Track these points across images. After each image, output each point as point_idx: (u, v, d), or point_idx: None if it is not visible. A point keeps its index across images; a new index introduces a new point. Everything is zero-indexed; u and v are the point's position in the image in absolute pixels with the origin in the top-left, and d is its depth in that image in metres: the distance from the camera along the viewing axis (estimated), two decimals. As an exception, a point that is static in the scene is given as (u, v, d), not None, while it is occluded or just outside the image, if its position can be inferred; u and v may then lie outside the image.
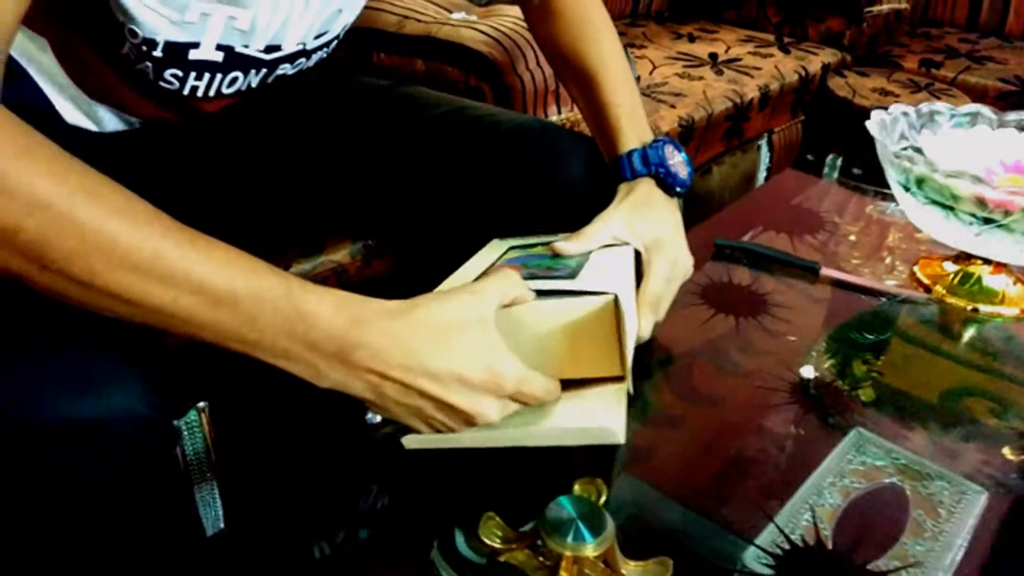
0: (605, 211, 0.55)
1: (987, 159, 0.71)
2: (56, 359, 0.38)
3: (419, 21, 0.95)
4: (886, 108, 0.73)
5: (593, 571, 0.42)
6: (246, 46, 0.53)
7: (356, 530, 0.50)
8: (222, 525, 0.66)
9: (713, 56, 1.45)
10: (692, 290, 0.68)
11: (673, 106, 1.20)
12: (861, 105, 1.39)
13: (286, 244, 0.74)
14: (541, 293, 0.45)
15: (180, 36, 0.50)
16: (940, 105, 0.75)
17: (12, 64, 0.52)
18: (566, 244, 0.53)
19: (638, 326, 0.51)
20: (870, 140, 0.71)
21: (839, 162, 1.00)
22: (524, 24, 0.88)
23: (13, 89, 0.50)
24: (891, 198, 0.88)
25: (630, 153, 0.59)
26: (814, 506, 0.49)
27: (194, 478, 0.66)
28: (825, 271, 0.74)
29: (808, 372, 0.62)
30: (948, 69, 1.54)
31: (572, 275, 0.48)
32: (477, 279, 0.49)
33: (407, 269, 0.79)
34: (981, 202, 0.62)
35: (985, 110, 0.75)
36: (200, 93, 0.55)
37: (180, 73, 0.52)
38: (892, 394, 0.61)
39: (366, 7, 0.61)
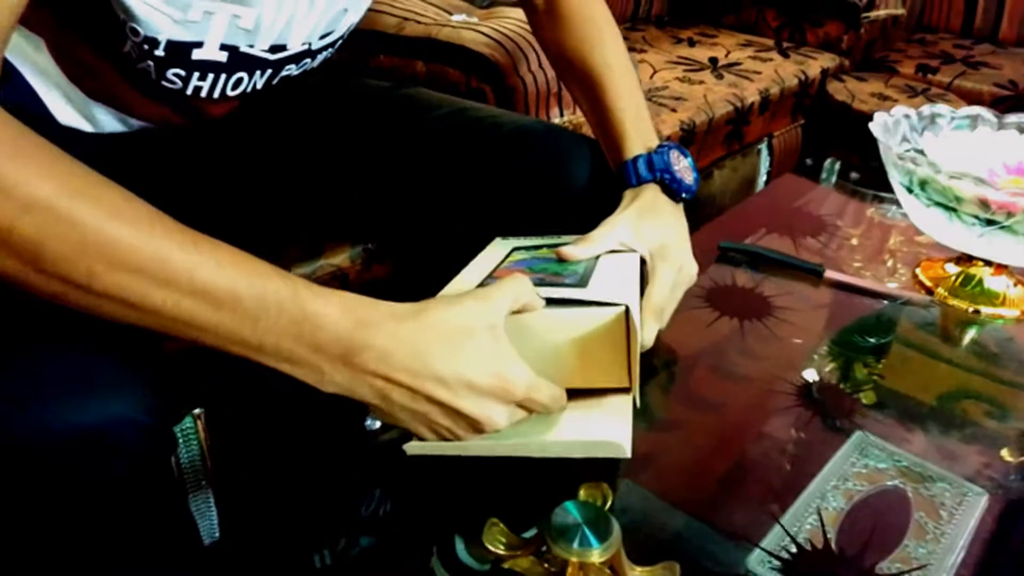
0: (611, 217, 0.55)
1: (989, 161, 0.72)
2: (55, 364, 0.37)
3: (419, 23, 0.95)
4: (887, 112, 0.73)
5: (599, 576, 0.41)
6: (251, 46, 0.52)
7: (356, 538, 0.50)
8: (217, 535, 0.66)
9: (713, 60, 1.45)
10: (696, 293, 0.68)
11: (674, 110, 1.20)
12: (860, 110, 1.40)
13: (284, 247, 0.73)
14: (551, 301, 0.45)
15: (183, 35, 0.49)
16: (941, 108, 0.75)
17: (4, 65, 0.52)
18: (572, 249, 0.52)
19: (641, 334, 0.51)
20: (869, 144, 0.71)
21: (837, 166, 1.00)
22: (526, 26, 0.87)
23: (3, 90, 0.50)
24: (889, 202, 0.89)
25: (635, 159, 0.58)
26: (818, 509, 0.49)
27: (189, 487, 0.65)
28: (829, 274, 0.74)
29: (811, 375, 0.62)
30: (944, 74, 1.55)
31: (581, 282, 0.48)
32: (483, 282, 0.49)
33: (408, 272, 0.79)
34: (984, 204, 0.62)
35: (985, 112, 0.75)
36: (204, 93, 0.54)
37: (183, 73, 0.52)
38: (894, 397, 0.61)
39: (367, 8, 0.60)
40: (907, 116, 0.74)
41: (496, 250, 0.56)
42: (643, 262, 0.54)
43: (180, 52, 0.50)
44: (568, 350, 0.45)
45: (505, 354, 0.41)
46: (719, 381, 0.63)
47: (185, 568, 0.47)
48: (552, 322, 0.44)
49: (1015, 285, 0.72)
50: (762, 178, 1.43)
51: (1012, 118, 0.75)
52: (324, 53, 0.59)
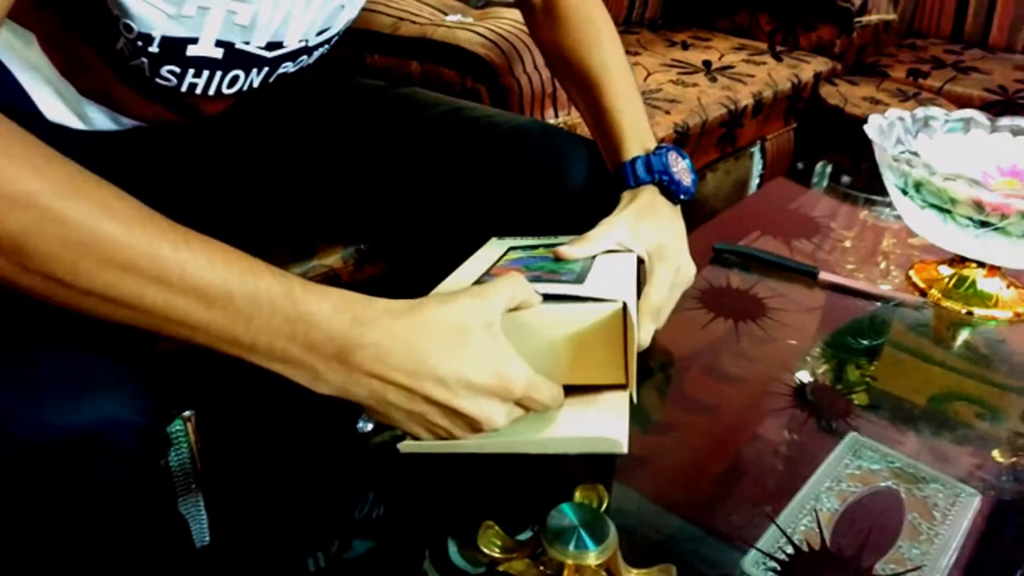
0: (609, 217, 0.55)
1: (983, 163, 0.72)
2: (48, 364, 0.37)
3: (414, 23, 0.95)
4: (881, 115, 0.74)
5: (595, 579, 0.41)
6: (247, 43, 0.52)
7: (350, 540, 0.49)
8: (207, 539, 0.65)
9: (707, 63, 1.46)
10: (691, 295, 0.68)
11: (668, 112, 1.20)
12: (852, 113, 1.40)
13: (276, 248, 0.73)
14: (547, 297, 0.45)
15: (177, 31, 0.48)
16: (935, 110, 0.76)
17: None
18: (569, 248, 0.52)
19: (638, 334, 0.51)
20: (861, 148, 0.71)
21: (829, 170, 1.01)
22: (522, 26, 0.87)
23: None
24: (881, 205, 0.89)
25: (633, 160, 0.58)
26: (814, 511, 0.49)
27: (179, 490, 0.64)
28: (823, 275, 0.74)
29: (805, 377, 0.62)
30: (935, 79, 1.56)
31: (578, 280, 0.47)
32: (479, 279, 0.48)
33: (401, 273, 0.78)
34: (978, 205, 0.63)
35: (978, 115, 0.76)
36: (199, 91, 0.53)
37: (177, 70, 0.51)
38: (887, 398, 0.61)
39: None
40: (901, 119, 0.75)
41: (492, 249, 0.56)
42: (640, 263, 0.54)
43: (175, 48, 0.49)
44: (564, 347, 0.44)
45: (504, 352, 0.41)
46: (714, 383, 0.63)
47: (178, 571, 0.46)
48: (548, 318, 0.44)
49: (1008, 287, 0.72)
50: (755, 181, 1.44)
51: (1005, 121, 0.75)
52: (321, 50, 0.59)
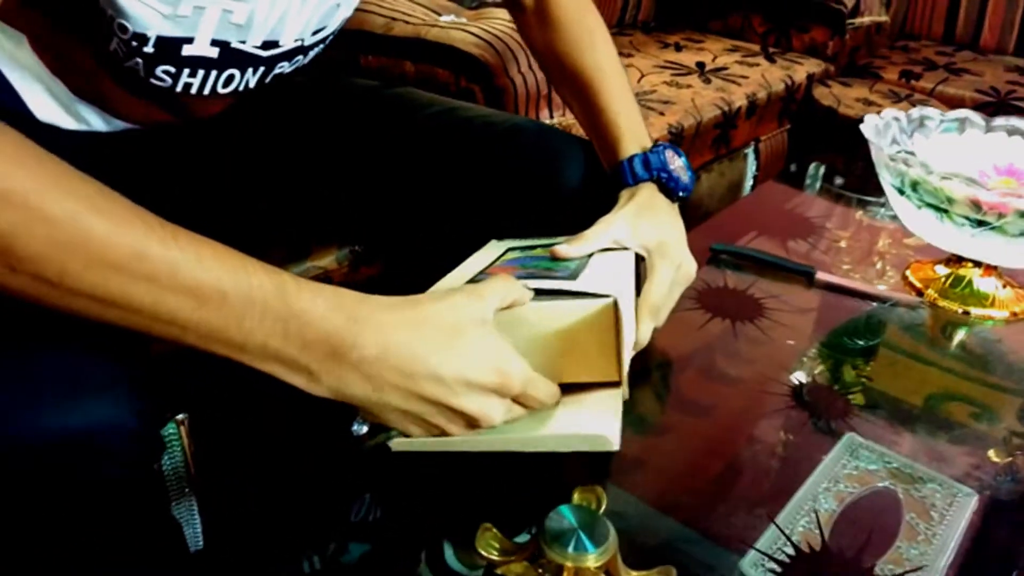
0: (607, 215, 0.55)
1: (979, 163, 0.73)
2: (42, 367, 0.36)
3: (407, 23, 0.95)
4: (877, 115, 0.74)
5: (595, 581, 0.41)
6: (242, 42, 0.51)
7: (346, 543, 0.49)
8: (201, 544, 0.64)
9: (700, 65, 1.46)
10: (688, 294, 0.68)
11: (662, 113, 1.20)
12: (845, 114, 1.41)
13: (270, 249, 0.72)
14: (539, 292, 0.44)
15: (173, 31, 0.48)
16: (930, 110, 0.76)
17: None
18: (566, 247, 0.52)
19: (637, 332, 0.50)
20: (855, 149, 0.71)
21: (822, 171, 1.01)
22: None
23: None
24: (874, 206, 0.89)
25: (631, 158, 0.58)
26: (813, 511, 0.49)
27: (172, 494, 0.64)
28: (820, 275, 0.74)
29: (802, 377, 0.62)
30: (927, 80, 1.57)
31: (572, 276, 0.47)
32: (474, 278, 0.48)
33: (396, 274, 0.78)
34: (975, 204, 0.63)
35: (973, 115, 0.76)
36: (194, 90, 0.53)
37: (172, 70, 0.51)
38: (884, 398, 0.61)
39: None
40: (897, 119, 0.75)
41: (490, 251, 0.56)
42: (640, 260, 0.54)
43: (170, 48, 0.49)
44: (556, 343, 0.44)
45: (501, 349, 0.40)
46: (711, 383, 0.63)
47: (173, 575, 0.46)
48: (540, 313, 0.44)
49: (1004, 286, 0.72)
50: (749, 182, 1.44)
51: (999, 121, 0.75)
52: (316, 50, 0.59)
